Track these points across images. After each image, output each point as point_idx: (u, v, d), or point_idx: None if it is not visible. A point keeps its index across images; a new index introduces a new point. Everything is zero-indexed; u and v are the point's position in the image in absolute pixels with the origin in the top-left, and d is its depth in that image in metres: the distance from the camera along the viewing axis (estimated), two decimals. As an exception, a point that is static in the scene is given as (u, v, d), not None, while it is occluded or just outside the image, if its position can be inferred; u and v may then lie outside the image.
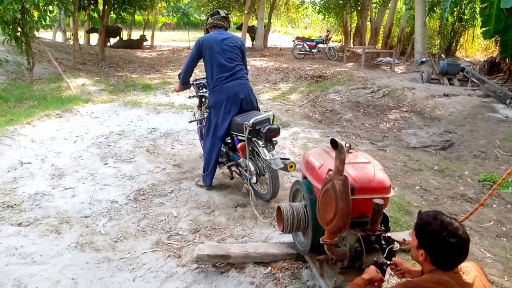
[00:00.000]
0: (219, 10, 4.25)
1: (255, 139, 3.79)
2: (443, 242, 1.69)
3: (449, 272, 1.72)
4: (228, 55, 4.05)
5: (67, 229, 3.48)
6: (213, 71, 4.07)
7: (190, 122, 5.04)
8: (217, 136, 4.12)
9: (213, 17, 4.22)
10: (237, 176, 4.48)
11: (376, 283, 2.07)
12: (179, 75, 4.53)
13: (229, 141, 4.30)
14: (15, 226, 3.46)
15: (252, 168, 3.98)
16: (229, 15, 4.17)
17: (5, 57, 9.56)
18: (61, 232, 3.42)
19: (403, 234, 3.10)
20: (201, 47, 4.08)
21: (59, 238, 3.33)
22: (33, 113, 6.51)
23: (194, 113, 5.12)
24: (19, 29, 8.48)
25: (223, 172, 4.75)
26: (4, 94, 7.85)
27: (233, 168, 4.41)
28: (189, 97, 4.78)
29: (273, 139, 3.81)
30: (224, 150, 4.37)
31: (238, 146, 4.06)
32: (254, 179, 4.01)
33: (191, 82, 4.59)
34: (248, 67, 4.43)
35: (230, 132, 4.11)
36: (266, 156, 3.69)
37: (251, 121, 3.73)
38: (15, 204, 3.84)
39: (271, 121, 3.92)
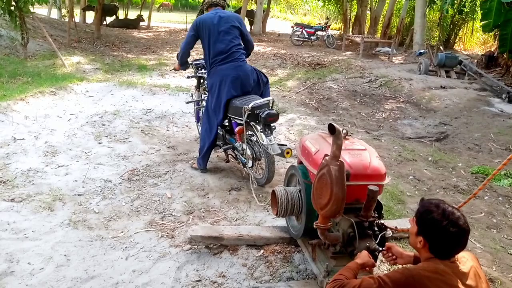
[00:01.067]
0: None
1: (253, 123, 3.76)
2: (443, 231, 1.67)
3: (445, 260, 1.71)
4: (224, 36, 3.97)
5: (60, 206, 3.47)
6: (210, 53, 4.03)
7: (188, 103, 5.02)
8: (214, 119, 4.10)
9: None
10: (233, 159, 4.48)
11: (367, 268, 2.09)
12: (177, 55, 4.49)
13: (227, 124, 4.27)
14: (8, 202, 3.44)
15: (249, 152, 3.96)
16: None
17: (-2, 31, 9.40)
18: (54, 209, 3.41)
19: (395, 222, 3.13)
20: (197, 28, 4.02)
21: (51, 215, 3.32)
22: (27, 89, 6.42)
23: (191, 94, 5.08)
24: (13, 2, 8.30)
25: (218, 156, 4.74)
26: (-3, 69, 7.73)
27: (229, 152, 4.40)
28: (188, 77, 4.74)
29: (272, 125, 3.78)
30: (221, 133, 4.34)
31: (236, 129, 4.03)
32: (250, 163, 3.99)
33: (190, 62, 4.55)
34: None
35: (228, 115, 4.08)
36: (263, 141, 3.66)
37: (250, 105, 3.68)
38: (7, 180, 3.82)
39: (271, 106, 3.89)
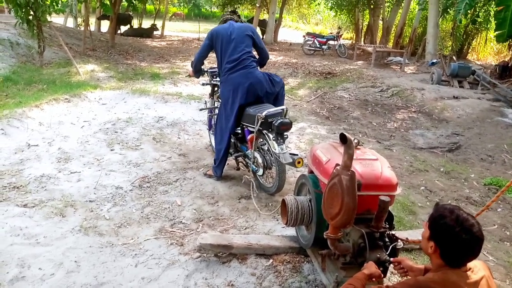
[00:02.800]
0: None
1: (266, 131, 3.78)
2: (455, 238, 1.63)
3: (456, 269, 1.68)
4: (237, 45, 4.03)
5: (71, 212, 3.50)
6: (222, 62, 4.11)
7: (201, 110, 5.10)
8: (226, 127, 4.13)
9: (223, 13, 4.35)
10: (243, 167, 4.49)
11: (374, 279, 2.07)
12: (191, 62, 4.57)
13: (239, 131, 4.31)
14: (21, 207, 3.49)
15: (260, 161, 3.97)
16: (236, 10, 4.24)
17: (16, 40, 9.60)
18: (65, 215, 3.44)
19: (406, 233, 3.10)
20: (212, 38, 4.13)
21: (63, 221, 3.36)
22: (42, 96, 6.54)
23: (205, 101, 5.13)
24: (31, 12, 8.50)
25: (228, 164, 4.74)
26: (14, 76, 7.88)
27: (240, 159, 4.42)
28: (202, 84, 4.84)
29: (284, 134, 3.80)
30: (233, 140, 4.37)
31: (248, 137, 4.05)
32: (260, 172, 4.00)
33: (205, 70, 4.64)
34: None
35: (241, 123, 4.12)
36: (275, 150, 3.67)
37: (264, 113, 3.70)
38: (21, 186, 3.87)
39: (284, 115, 3.90)
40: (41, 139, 5.08)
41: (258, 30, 19.20)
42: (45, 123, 5.58)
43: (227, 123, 4.11)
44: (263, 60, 4.33)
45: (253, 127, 3.82)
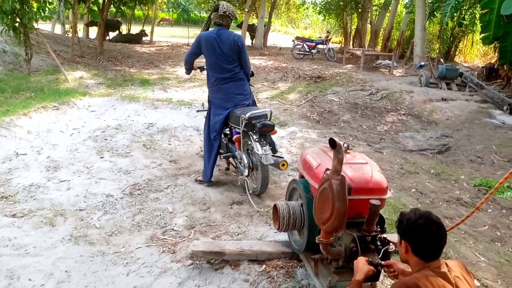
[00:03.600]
0: (219, 6, 4.10)
1: (250, 132, 3.88)
2: (417, 228, 1.78)
3: (432, 264, 1.78)
4: (225, 57, 4.07)
5: (61, 221, 3.46)
6: (211, 70, 4.17)
7: (198, 111, 5.15)
8: (214, 130, 4.22)
9: (213, 14, 4.16)
10: (233, 168, 4.56)
11: (370, 284, 2.08)
12: (185, 62, 4.58)
13: (228, 132, 4.40)
14: (9, 217, 3.44)
15: (246, 161, 4.06)
16: (227, 13, 4.06)
17: (3, 47, 9.50)
18: (55, 225, 3.40)
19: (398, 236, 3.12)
20: (200, 46, 4.15)
21: (53, 231, 3.31)
22: (30, 104, 6.46)
23: (202, 103, 5.10)
24: (17, 19, 8.42)
25: (219, 169, 4.74)
26: (1, 84, 7.78)
27: (231, 160, 4.51)
28: (197, 111, 5.00)
29: (268, 135, 3.91)
30: (224, 142, 4.46)
31: (234, 137, 4.14)
32: (246, 172, 4.08)
33: (204, 66, 4.55)
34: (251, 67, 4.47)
35: (229, 123, 4.22)
36: (258, 151, 3.77)
37: (247, 115, 3.82)
38: (9, 195, 3.82)
39: (269, 117, 4.00)
40: (29, 147, 5.02)
41: (247, 35, 19.26)
42: (34, 131, 5.51)
43: (215, 125, 4.21)
44: (246, 74, 4.32)
45: (239, 128, 3.93)
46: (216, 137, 4.25)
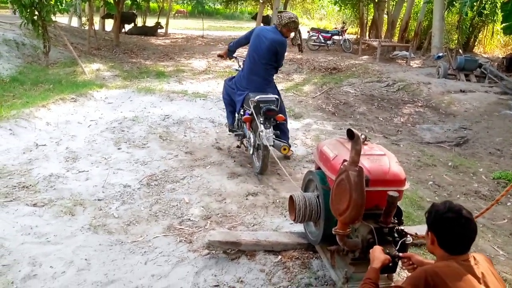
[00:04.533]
0: (288, 14, 4.55)
1: (258, 115, 4.24)
2: (446, 221, 1.75)
3: (459, 257, 1.74)
4: (262, 55, 4.49)
5: (80, 211, 3.53)
6: (247, 59, 4.67)
7: (236, 70, 5.40)
8: (230, 90, 4.85)
9: (278, 15, 4.63)
10: (244, 147, 4.88)
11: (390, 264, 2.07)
12: (229, 44, 5.09)
13: (242, 113, 4.74)
14: (30, 206, 3.52)
15: (252, 140, 4.47)
16: (289, 25, 4.50)
17: (22, 40, 9.64)
18: (74, 214, 3.47)
19: (415, 229, 3.07)
20: (251, 33, 4.68)
21: (72, 220, 3.38)
22: (48, 96, 6.57)
23: (240, 65, 5.25)
24: (36, 12, 8.52)
25: (234, 161, 4.76)
26: (21, 77, 7.93)
27: (244, 140, 4.88)
28: (236, 70, 5.24)
29: (273, 120, 4.26)
30: (239, 121, 4.90)
31: (243, 117, 4.53)
32: (251, 150, 4.51)
33: (235, 56, 5.12)
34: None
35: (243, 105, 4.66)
36: (262, 132, 4.12)
37: (256, 98, 4.24)
38: (30, 185, 3.90)
39: (276, 104, 4.34)
40: (48, 138, 5.11)
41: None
42: (52, 122, 5.61)
43: (237, 103, 4.73)
44: (276, 68, 4.80)
45: (250, 110, 4.34)
46: (227, 90, 4.90)
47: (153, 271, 2.79)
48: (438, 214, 1.78)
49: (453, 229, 1.74)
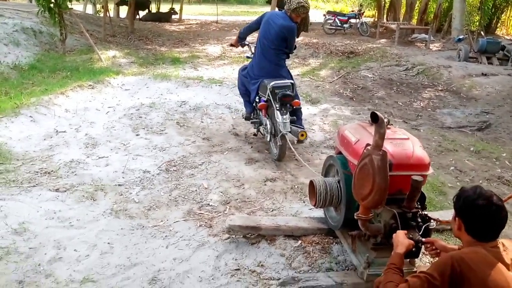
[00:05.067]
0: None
1: (274, 101, 4.21)
2: (475, 208, 1.69)
3: (487, 244, 1.69)
4: (272, 40, 4.43)
5: (101, 196, 3.58)
6: (258, 44, 4.61)
7: (248, 58, 5.38)
8: (249, 96, 4.80)
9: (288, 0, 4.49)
10: (261, 135, 4.85)
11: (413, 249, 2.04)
12: (239, 32, 5.02)
13: (258, 100, 4.74)
14: (53, 192, 3.59)
15: (268, 127, 4.42)
16: (298, 10, 4.39)
17: (39, 28, 9.71)
18: (96, 199, 3.52)
19: (437, 214, 3.04)
20: (261, 18, 4.60)
21: (94, 205, 3.44)
22: (66, 83, 6.63)
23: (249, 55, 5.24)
24: (52, 0, 8.57)
25: (252, 147, 4.75)
26: (39, 64, 8.02)
27: (260, 127, 4.82)
28: (247, 57, 5.21)
29: (289, 106, 4.23)
30: (256, 108, 4.84)
31: (259, 105, 4.53)
32: (268, 138, 4.47)
33: (247, 43, 5.04)
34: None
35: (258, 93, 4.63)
36: (278, 118, 4.11)
37: (271, 84, 4.21)
38: (52, 171, 3.97)
39: (292, 89, 4.31)
40: (68, 125, 5.18)
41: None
42: (71, 109, 5.67)
43: (252, 92, 4.70)
44: (288, 53, 4.74)
45: (265, 96, 4.32)
46: (242, 80, 4.85)
47: (175, 254, 2.82)
48: (468, 200, 1.72)
49: (483, 217, 1.68)
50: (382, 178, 2.09)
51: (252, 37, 5.34)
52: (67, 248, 2.84)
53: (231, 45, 5.18)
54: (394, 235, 2.08)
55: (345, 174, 2.62)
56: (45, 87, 6.45)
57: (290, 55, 4.83)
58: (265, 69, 4.53)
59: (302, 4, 4.33)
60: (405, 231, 2.08)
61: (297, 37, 4.88)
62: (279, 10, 20.07)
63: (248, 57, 5.14)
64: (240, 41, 4.98)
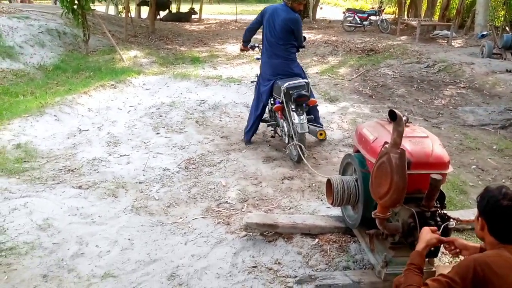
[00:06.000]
0: None
1: (289, 102, 4.16)
2: (499, 208, 1.65)
3: (510, 246, 1.64)
4: (277, 34, 4.34)
5: (123, 193, 3.67)
6: (265, 42, 4.47)
7: (252, 82, 5.43)
8: (260, 100, 4.61)
9: None
10: (278, 136, 4.79)
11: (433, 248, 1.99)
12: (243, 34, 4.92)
13: (273, 102, 4.65)
14: (76, 189, 3.69)
15: (286, 129, 4.34)
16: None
17: (63, 29, 9.97)
18: (117, 196, 3.61)
19: (457, 213, 2.99)
20: (262, 16, 4.49)
21: (115, 201, 3.52)
22: (89, 83, 6.79)
23: (257, 74, 5.16)
24: (76, 1, 8.78)
25: (270, 145, 4.77)
26: (63, 65, 8.24)
27: (277, 129, 4.75)
28: (257, 58, 5.08)
29: (304, 105, 4.16)
30: (271, 110, 4.79)
31: (274, 107, 4.45)
32: (286, 140, 4.37)
33: (256, 45, 4.91)
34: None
35: (273, 94, 4.54)
36: (294, 120, 4.05)
37: (285, 85, 4.15)
38: (75, 168, 4.09)
39: (307, 88, 4.25)
40: (90, 124, 5.31)
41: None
42: (94, 108, 5.81)
43: (262, 95, 4.56)
44: (298, 46, 4.60)
45: (280, 98, 4.26)
46: (262, 106, 4.59)
47: (193, 251, 2.87)
48: (492, 200, 1.67)
49: (507, 218, 1.64)
50: (400, 176, 2.08)
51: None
52: (89, 244, 2.92)
53: (241, 50, 5.11)
54: (421, 234, 2.04)
55: (362, 173, 2.61)
56: (69, 86, 6.63)
57: (300, 48, 4.67)
58: (276, 66, 4.42)
59: None
60: (433, 228, 2.03)
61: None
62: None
63: (258, 59, 5.06)
64: (246, 44, 4.87)
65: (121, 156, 4.41)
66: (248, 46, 4.87)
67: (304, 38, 4.69)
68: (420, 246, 1.91)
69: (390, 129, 2.22)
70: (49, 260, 2.74)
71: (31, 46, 8.56)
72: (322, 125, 4.86)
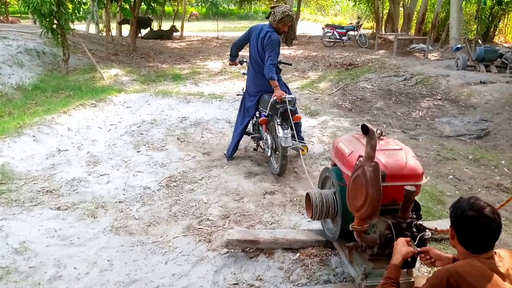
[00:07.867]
0: (282, 9, 4.39)
1: (275, 116, 4.22)
2: (467, 220, 1.69)
3: (481, 255, 1.69)
4: (259, 51, 4.42)
5: (102, 213, 3.62)
6: (250, 59, 4.63)
7: (238, 95, 5.46)
8: (246, 114, 4.69)
9: (272, 11, 4.46)
10: (261, 149, 4.86)
11: (409, 259, 2.03)
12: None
13: (258, 115, 4.71)
14: (54, 210, 3.63)
15: (269, 142, 4.41)
16: (283, 19, 4.36)
17: (42, 49, 9.90)
18: (97, 216, 3.56)
19: (435, 223, 3.05)
20: (249, 33, 4.58)
21: (95, 222, 3.47)
22: (69, 102, 6.74)
23: (243, 88, 5.17)
24: (55, 21, 8.75)
25: (251, 160, 4.79)
26: (42, 84, 8.16)
27: (260, 142, 4.81)
28: (243, 73, 5.15)
29: (290, 120, 4.16)
30: (254, 121, 4.84)
31: (260, 120, 4.52)
32: (269, 152, 4.44)
33: (244, 60, 4.94)
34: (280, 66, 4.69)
35: (259, 107, 4.61)
36: (279, 133, 4.12)
37: (272, 99, 4.20)
38: (53, 189, 4.02)
39: (293, 104, 4.31)
40: (70, 144, 5.25)
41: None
42: (73, 128, 5.75)
43: (248, 110, 4.65)
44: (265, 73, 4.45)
45: (266, 111, 4.34)
46: (247, 120, 4.68)
47: (174, 270, 2.84)
48: (459, 211, 1.72)
49: (472, 229, 1.68)
50: (375, 189, 2.12)
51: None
52: (67, 266, 2.87)
53: (230, 64, 5.14)
54: (394, 243, 2.09)
55: (340, 186, 2.65)
56: (48, 106, 6.56)
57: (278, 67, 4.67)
58: (261, 85, 4.50)
59: (287, 13, 4.32)
60: (407, 239, 2.08)
61: (290, 45, 4.89)
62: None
63: (244, 74, 5.13)
64: (233, 59, 4.94)
65: (100, 175, 4.36)
66: (236, 60, 4.93)
67: (290, 64, 4.92)
68: (395, 258, 1.95)
69: (365, 142, 2.27)
70: (25, 285, 2.67)
71: (9, 66, 8.46)
72: (304, 140, 4.94)
